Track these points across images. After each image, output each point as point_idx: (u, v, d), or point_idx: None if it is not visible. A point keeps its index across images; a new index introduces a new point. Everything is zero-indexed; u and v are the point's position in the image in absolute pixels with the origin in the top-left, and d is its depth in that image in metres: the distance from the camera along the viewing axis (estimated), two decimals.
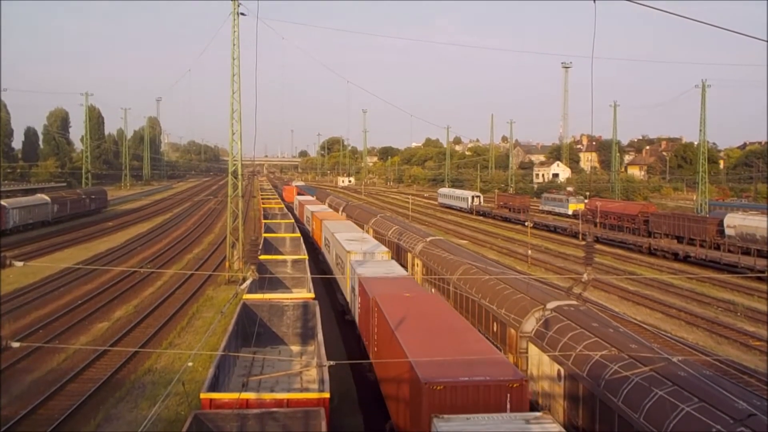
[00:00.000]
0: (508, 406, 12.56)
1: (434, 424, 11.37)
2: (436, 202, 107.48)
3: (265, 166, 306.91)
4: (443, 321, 17.67)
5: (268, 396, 14.33)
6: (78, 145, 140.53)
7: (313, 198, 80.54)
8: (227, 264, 41.61)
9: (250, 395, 14.17)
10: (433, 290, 27.82)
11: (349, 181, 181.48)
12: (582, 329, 16.86)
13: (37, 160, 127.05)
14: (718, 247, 47.41)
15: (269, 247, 40.24)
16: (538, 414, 12.14)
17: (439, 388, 12.53)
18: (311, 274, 30.33)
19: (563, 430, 11.54)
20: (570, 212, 76.01)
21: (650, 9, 9.35)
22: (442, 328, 16.80)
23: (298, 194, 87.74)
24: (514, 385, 12.72)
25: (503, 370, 13.40)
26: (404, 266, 33.37)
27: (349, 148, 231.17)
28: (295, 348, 22.26)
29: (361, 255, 29.20)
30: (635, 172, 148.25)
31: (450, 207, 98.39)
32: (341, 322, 29.38)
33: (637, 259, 50.26)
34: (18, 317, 29.81)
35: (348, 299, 28.27)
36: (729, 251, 45.75)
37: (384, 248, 31.94)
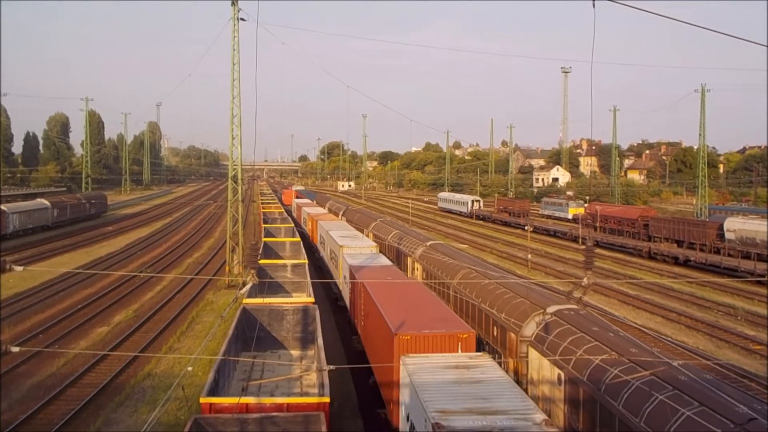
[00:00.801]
0: (459, 351, 16.29)
1: (402, 361, 15.22)
2: (435, 207, 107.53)
3: (265, 171, 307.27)
4: (415, 295, 21.75)
5: (267, 400, 14.30)
6: (78, 150, 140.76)
7: (310, 201, 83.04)
8: (227, 268, 41.60)
9: (249, 399, 14.15)
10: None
11: (349, 186, 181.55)
12: (582, 333, 16.85)
13: (37, 164, 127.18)
14: (718, 251, 47.39)
15: (269, 252, 40.26)
16: (479, 354, 16.22)
17: (406, 337, 16.33)
18: (311, 278, 30.41)
19: (496, 364, 15.28)
20: (570, 216, 76.01)
21: (650, 13, 9.38)
22: (414, 300, 20.73)
23: (297, 198, 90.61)
24: (464, 336, 16.69)
25: (456, 326, 17.49)
26: (404, 270, 33.52)
27: (349, 152, 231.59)
28: (295, 352, 22.25)
29: (352, 249, 32.27)
30: (635, 176, 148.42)
31: (450, 211, 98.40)
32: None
33: (637, 263, 50.25)
34: (18, 322, 29.81)
35: (340, 288, 31.94)
36: (729, 255, 45.72)
37: (372, 243, 35.68)
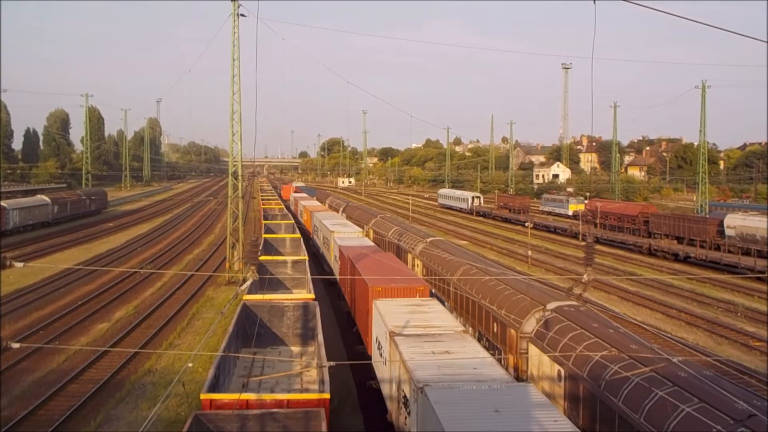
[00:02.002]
0: (417, 298, 21.94)
1: (374, 303, 20.56)
2: (436, 203, 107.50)
3: (266, 167, 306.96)
4: (388, 262, 27.90)
5: (268, 397, 14.32)
6: (78, 146, 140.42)
7: (307, 195, 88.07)
8: (227, 265, 41.61)
9: (250, 396, 14.17)
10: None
11: (349, 182, 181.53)
12: (582, 330, 16.85)
13: (37, 161, 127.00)
14: (718, 248, 47.40)
15: (269, 248, 40.25)
16: (429, 298, 21.98)
17: (378, 288, 21.95)
18: (311, 274, 30.44)
19: (439, 303, 20.93)
20: (570, 213, 76.00)
21: (650, 10, 9.36)
22: (386, 265, 26.77)
23: (294, 192, 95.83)
24: (420, 288, 22.77)
25: (416, 282, 23.75)
26: None
27: (349, 149, 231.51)
28: (296, 349, 22.27)
29: (340, 234, 38.05)
30: (635, 172, 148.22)
31: (450, 208, 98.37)
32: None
33: (637, 259, 50.26)
34: (18, 318, 29.82)
35: (331, 266, 37.69)
36: (729, 252, 45.74)
37: (358, 228, 42.56)
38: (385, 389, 17.68)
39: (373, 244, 36.01)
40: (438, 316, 18.99)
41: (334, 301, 33.87)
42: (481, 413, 11.06)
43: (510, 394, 12.08)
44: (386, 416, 17.24)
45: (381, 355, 18.65)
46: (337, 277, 33.25)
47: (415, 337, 16.57)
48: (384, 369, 17.98)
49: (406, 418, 14.46)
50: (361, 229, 42.46)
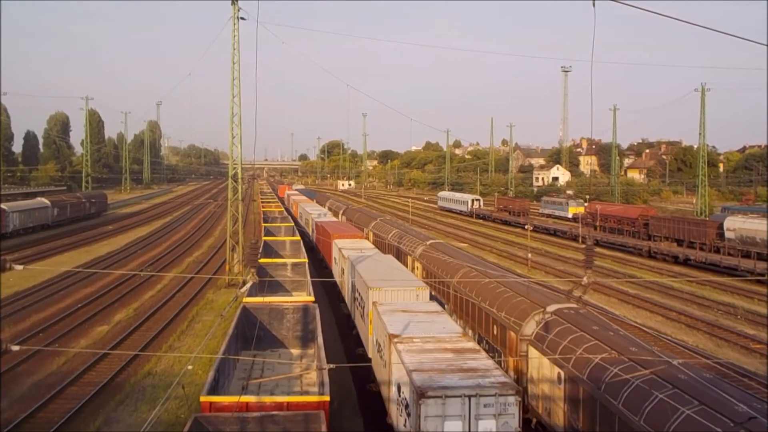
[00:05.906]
0: (357, 239, 37.69)
1: (333, 241, 35.61)
2: (435, 206, 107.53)
3: (265, 170, 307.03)
4: (343, 224, 47.75)
5: (268, 399, 14.32)
6: (78, 149, 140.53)
7: (297, 192, 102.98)
8: (227, 267, 41.60)
9: (250, 398, 14.17)
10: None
11: (349, 185, 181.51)
12: (582, 332, 16.86)
13: (37, 163, 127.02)
14: (717, 250, 47.40)
15: (269, 251, 40.28)
16: (365, 239, 38.96)
17: (336, 235, 37.47)
18: (311, 277, 30.47)
19: (369, 242, 38.31)
20: (570, 215, 75.98)
21: (650, 12, 9.38)
22: (341, 227, 44.17)
23: (288, 190, 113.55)
24: (359, 235, 40.33)
25: (356, 231, 42.39)
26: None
27: (349, 151, 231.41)
28: (295, 351, 22.26)
29: (316, 215, 54.64)
30: (635, 175, 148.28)
31: (450, 210, 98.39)
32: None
33: (637, 262, 50.27)
34: (18, 320, 29.82)
35: (311, 237, 51.99)
36: (729, 254, 45.74)
37: (327, 210, 62.46)
38: (338, 278, 32.98)
39: (335, 218, 55.81)
40: (365, 244, 34.28)
41: (334, 303, 33.87)
42: (375, 262, 27.01)
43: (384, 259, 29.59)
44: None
45: (336, 262, 34.16)
46: (314, 240, 49.51)
47: (352, 249, 31.03)
48: (337, 269, 33.28)
49: (343, 274, 30.84)
50: (330, 211, 62.68)
